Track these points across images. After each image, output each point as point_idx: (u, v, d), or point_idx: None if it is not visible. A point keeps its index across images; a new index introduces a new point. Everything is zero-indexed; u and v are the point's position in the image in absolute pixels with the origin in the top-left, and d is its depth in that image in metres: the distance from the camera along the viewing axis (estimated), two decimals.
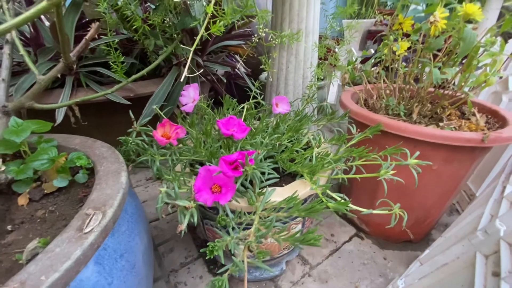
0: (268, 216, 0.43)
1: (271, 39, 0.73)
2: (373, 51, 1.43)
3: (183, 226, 0.37)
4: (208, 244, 0.35)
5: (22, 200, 0.48)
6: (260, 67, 1.02)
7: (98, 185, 0.43)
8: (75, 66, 0.71)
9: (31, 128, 0.51)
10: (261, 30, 0.60)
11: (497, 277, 0.36)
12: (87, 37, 0.58)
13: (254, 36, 0.67)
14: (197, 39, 0.40)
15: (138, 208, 0.53)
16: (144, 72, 0.70)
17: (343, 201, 0.45)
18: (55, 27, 0.56)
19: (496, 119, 0.72)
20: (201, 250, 0.78)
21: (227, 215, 0.42)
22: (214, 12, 0.45)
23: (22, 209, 0.46)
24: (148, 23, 0.72)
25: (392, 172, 0.45)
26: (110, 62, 0.65)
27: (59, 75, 0.62)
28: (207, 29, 0.44)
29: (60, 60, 0.58)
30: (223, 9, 0.47)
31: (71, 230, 0.34)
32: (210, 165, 0.42)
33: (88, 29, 0.69)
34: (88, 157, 0.52)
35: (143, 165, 0.57)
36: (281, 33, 0.73)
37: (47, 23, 1.03)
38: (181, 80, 0.50)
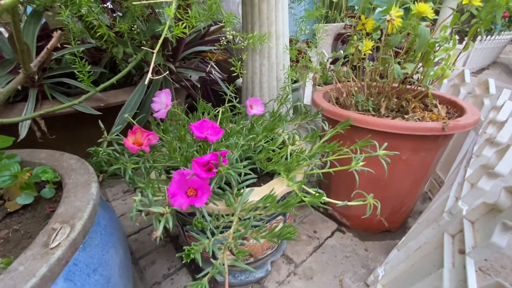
0: (247, 215, 0.43)
1: (240, 42, 0.74)
2: (342, 52, 1.49)
3: (158, 232, 0.36)
4: (184, 248, 0.35)
5: None
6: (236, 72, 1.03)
7: (67, 198, 0.41)
8: (37, 77, 0.68)
9: None
10: (228, 32, 0.61)
11: (463, 254, 0.38)
12: (48, 46, 0.55)
13: (222, 39, 0.68)
14: (160, 41, 0.40)
15: (112, 220, 0.51)
16: (113, 80, 0.68)
17: (317, 194, 0.46)
18: (14, 38, 0.53)
19: (455, 109, 0.77)
20: (177, 255, 0.76)
21: (204, 218, 0.42)
22: (179, 16, 0.45)
23: None
24: (115, 31, 0.71)
25: (362, 163, 0.47)
26: (75, 71, 0.63)
27: (19, 88, 0.59)
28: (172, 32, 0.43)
29: (20, 71, 0.55)
30: (188, 13, 0.47)
31: (36, 246, 0.32)
32: (184, 169, 0.41)
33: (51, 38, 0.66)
34: (55, 171, 0.50)
35: (118, 176, 0.56)
36: (245, 34, 0.74)
37: (6, 35, 0.98)
38: (146, 83, 0.49)
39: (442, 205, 0.54)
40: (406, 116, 0.70)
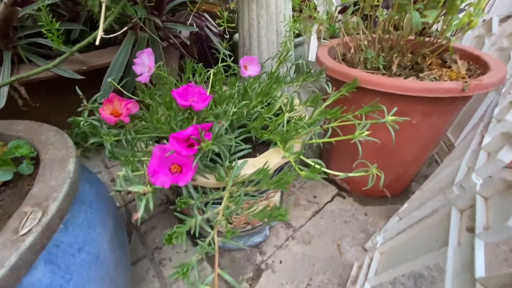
0: (238, 192, 0.40)
1: None
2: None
3: (138, 214, 0.33)
4: (165, 232, 0.32)
5: None
6: (233, 26, 0.92)
7: (42, 176, 0.38)
8: (5, 40, 0.60)
9: None
10: None
11: (472, 232, 0.35)
12: None
13: None
14: None
15: (100, 195, 0.49)
16: (90, 39, 0.60)
17: (316, 167, 0.42)
18: None
19: (477, 65, 0.68)
20: (157, 240, 0.77)
21: (191, 196, 0.39)
22: None
23: None
24: None
25: (367, 132, 0.41)
26: (43, 30, 0.55)
27: None
28: None
29: None
30: None
31: (7, 232, 0.30)
32: (165, 144, 0.37)
33: None
34: (31, 145, 0.46)
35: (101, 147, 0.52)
36: None
37: None
38: (97, 43, 0.42)
39: (452, 175, 0.50)
40: (420, 75, 0.62)
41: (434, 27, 0.70)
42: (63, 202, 0.35)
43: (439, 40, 0.63)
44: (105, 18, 0.60)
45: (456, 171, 0.50)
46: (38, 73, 0.56)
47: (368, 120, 0.44)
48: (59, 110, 0.82)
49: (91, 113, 0.53)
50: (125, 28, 0.76)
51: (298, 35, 1.51)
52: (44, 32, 0.54)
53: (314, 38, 1.66)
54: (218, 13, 0.60)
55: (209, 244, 0.37)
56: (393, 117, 0.46)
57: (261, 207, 0.62)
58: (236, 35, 1.47)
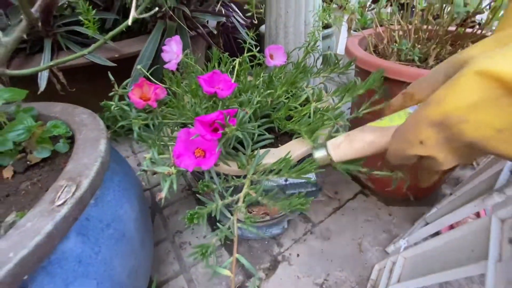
0: (258, 181, 0.40)
1: None
2: None
3: (162, 194, 0.34)
4: (187, 211, 0.33)
5: (7, 173, 0.46)
6: (260, 14, 0.90)
7: (75, 155, 0.41)
8: (41, 25, 0.64)
9: (3, 97, 0.47)
10: None
11: None
12: None
13: None
14: None
15: (128, 176, 0.51)
16: (121, 27, 0.62)
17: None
18: None
19: None
20: (180, 218, 0.78)
21: (213, 181, 0.39)
22: None
23: (7, 182, 0.45)
24: None
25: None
26: (80, 18, 0.58)
27: (26, 37, 0.56)
28: None
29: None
30: None
31: (44, 203, 0.33)
32: (190, 128, 0.37)
33: None
34: (67, 125, 0.49)
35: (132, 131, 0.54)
36: None
37: None
38: (129, 23, 0.43)
39: (492, 180, 0.46)
40: None
41: (479, 17, 0.65)
42: (94, 179, 0.36)
43: (483, 32, 0.58)
44: (137, 5, 0.61)
45: (497, 175, 0.46)
46: (74, 58, 0.59)
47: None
48: (93, 95, 0.87)
49: (121, 98, 0.55)
50: (155, 16, 0.78)
51: (327, 26, 1.46)
52: (82, 20, 0.57)
53: (344, 30, 1.60)
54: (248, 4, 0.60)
55: (228, 228, 0.37)
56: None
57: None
58: (263, 27, 1.45)
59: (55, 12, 0.74)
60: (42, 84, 0.69)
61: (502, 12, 0.53)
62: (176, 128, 0.54)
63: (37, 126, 0.47)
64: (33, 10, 0.51)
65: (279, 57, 0.60)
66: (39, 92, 0.70)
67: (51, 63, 0.55)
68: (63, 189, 0.33)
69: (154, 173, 0.38)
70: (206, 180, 0.38)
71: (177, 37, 0.56)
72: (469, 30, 0.64)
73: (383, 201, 0.81)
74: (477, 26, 0.62)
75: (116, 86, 0.54)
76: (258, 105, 0.46)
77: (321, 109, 0.53)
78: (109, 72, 0.55)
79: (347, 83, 0.60)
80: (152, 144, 0.40)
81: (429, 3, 0.61)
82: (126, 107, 0.50)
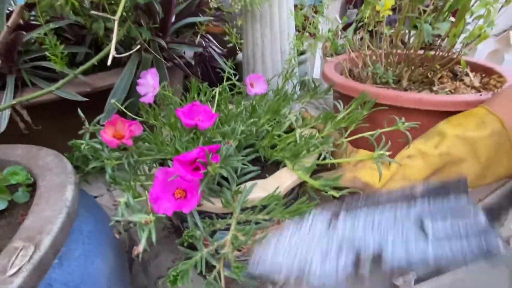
0: (246, 220, 0.37)
1: (232, 3, 0.63)
2: (354, 17, 1.33)
3: (140, 248, 0.30)
4: (169, 271, 0.29)
5: None
6: (233, 46, 0.92)
7: (36, 206, 0.35)
8: (10, 64, 0.60)
9: None
10: None
11: None
12: (8, 23, 0.47)
13: (211, 1, 0.57)
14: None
15: (100, 223, 0.45)
16: (93, 61, 0.60)
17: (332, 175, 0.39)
18: None
19: (491, 78, 0.66)
20: (162, 263, 0.71)
21: (196, 224, 0.36)
22: None
23: None
24: (92, 2, 0.61)
25: (388, 153, 0.38)
26: (47, 54, 0.55)
27: None
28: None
29: None
30: None
31: None
32: (168, 167, 0.34)
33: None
34: (29, 171, 0.44)
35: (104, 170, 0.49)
36: None
37: None
38: (108, 63, 0.41)
39: None
40: (434, 89, 0.60)
41: (443, 40, 0.69)
42: (58, 235, 0.31)
43: (449, 54, 0.61)
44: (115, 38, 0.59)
45: None
46: (40, 95, 0.55)
47: (379, 129, 0.41)
48: (61, 133, 0.81)
49: (93, 135, 0.51)
50: (132, 50, 0.77)
51: (301, 53, 1.52)
52: (49, 55, 0.54)
53: (317, 56, 1.67)
54: (226, 31, 0.60)
55: (214, 279, 0.33)
56: (408, 123, 0.44)
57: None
58: (240, 55, 1.48)
59: (20, 48, 0.70)
60: (3, 124, 0.63)
61: (464, 34, 0.57)
62: (154, 165, 0.50)
63: None
64: None
65: (259, 85, 0.59)
66: None
67: (14, 102, 0.51)
68: (18, 253, 0.28)
69: (129, 222, 0.34)
70: (190, 229, 0.34)
71: (153, 70, 0.54)
72: (432, 52, 0.67)
73: None
74: (443, 48, 0.66)
75: (86, 123, 0.50)
76: (244, 135, 0.44)
77: (305, 136, 0.52)
78: (78, 109, 0.51)
79: (325, 106, 0.61)
80: (126, 188, 0.36)
81: (396, 29, 0.65)
82: (98, 146, 0.46)
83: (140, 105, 0.61)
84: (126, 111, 0.61)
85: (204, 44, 0.99)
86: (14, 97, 0.68)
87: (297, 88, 0.74)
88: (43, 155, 0.47)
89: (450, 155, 0.43)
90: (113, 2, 0.62)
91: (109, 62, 0.36)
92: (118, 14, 0.33)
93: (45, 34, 0.56)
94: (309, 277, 0.27)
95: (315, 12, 1.03)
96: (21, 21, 0.49)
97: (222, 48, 1.26)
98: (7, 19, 0.68)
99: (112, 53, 0.34)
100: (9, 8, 0.76)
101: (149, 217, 0.32)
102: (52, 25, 0.59)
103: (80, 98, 0.72)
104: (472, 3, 0.56)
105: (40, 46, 0.86)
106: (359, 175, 0.44)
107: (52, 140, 0.68)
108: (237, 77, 0.69)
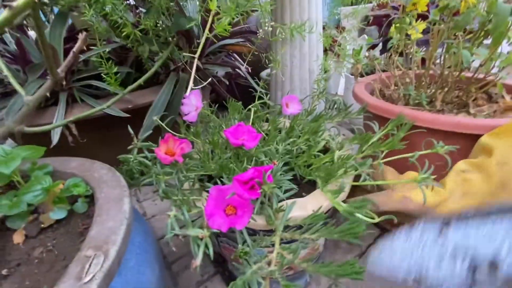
0: (291, 239, 0.38)
1: (278, 33, 0.67)
2: (374, 35, 1.35)
3: (198, 262, 0.32)
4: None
5: (18, 237, 0.43)
6: (260, 64, 0.96)
7: (99, 217, 0.38)
8: (64, 82, 0.66)
9: (21, 156, 0.46)
10: (266, 24, 0.54)
11: None
12: (74, 49, 0.52)
13: (258, 32, 0.61)
14: (202, 41, 0.35)
15: (147, 234, 0.48)
16: (140, 81, 0.65)
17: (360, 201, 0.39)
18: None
19: None
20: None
21: (245, 241, 0.37)
22: (216, 9, 0.39)
23: (18, 247, 0.42)
24: (140, 28, 0.67)
25: (433, 177, 0.39)
26: (102, 74, 0.60)
27: (48, 94, 0.57)
28: (210, 29, 0.38)
29: (48, 77, 0.53)
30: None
31: (70, 279, 0.29)
32: (221, 185, 0.36)
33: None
34: (86, 183, 0.48)
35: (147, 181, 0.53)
36: (284, 25, 0.66)
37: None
38: (186, 89, 0.44)
39: None
40: (471, 112, 0.60)
41: (476, 62, 0.69)
42: (121, 245, 0.34)
43: (486, 77, 0.61)
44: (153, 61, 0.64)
45: None
46: (94, 113, 0.60)
47: (417, 151, 0.42)
48: (103, 146, 0.86)
49: (139, 150, 0.54)
50: (171, 69, 0.82)
51: (325, 71, 1.55)
52: (103, 75, 0.59)
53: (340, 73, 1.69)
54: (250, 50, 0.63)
55: None
56: (447, 147, 0.44)
57: (307, 250, 0.59)
58: (263, 73, 1.53)
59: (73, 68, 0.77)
60: (56, 138, 0.68)
61: (502, 58, 0.57)
62: (196, 181, 0.53)
63: (56, 185, 0.45)
64: (59, 70, 0.53)
65: (294, 105, 0.62)
66: (51, 146, 0.69)
67: (71, 119, 0.55)
68: (92, 261, 0.30)
69: (184, 236, 0.36)
70: (244, 246, 0.35)
71: (197, 91, 0.57)
72: (469, 75, 0.68)
73: None
74: (479, 71, 0.66)
75: (135, 139, 0.54)
76: (288, 155, 0.46)
77: (341, 156, 0.53)
78: (128, 126, 0.55)
79: (361, 128, 0.62)
80: (181, 203, 0.39)
81: (430, 52, 0.66)
82: (148, 162, 0.49)
83: (180, 122, 0.64)
84: (165, 126, 0.64)
85: (234, 64, 1.04)
86: (65, 113, 0.74)
87: (331, 108, 0.75)
88: (97, 168, 0.51)
89: (508, 164, 0.42)
90: (161, 28, 0.68)
91: (187, 92, 0.39)
92: (199, 51, 0.37)
93: (101, 56, 0.62)
94: (426, 279, 0.29)
95: (340, 32, 1.06)
96: (84, 47, 0.55)
97: (247, 66, 1.31)
98: (66, 43, 0.76)
99: (191, 85, 0.38)
100: None
101: (204, 232, 0.34)
102: (108, 48, 0.65)
103: (123, 115, 0.77)
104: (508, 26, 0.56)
105: (85, 65, 0.94)
106: (410, 195, 0.44)
107: (93, 153, 0.73)
108: (268, 96, 0.71)
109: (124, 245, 0.35)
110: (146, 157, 0.53)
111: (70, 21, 0.89)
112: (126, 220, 0.38)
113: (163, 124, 0.63)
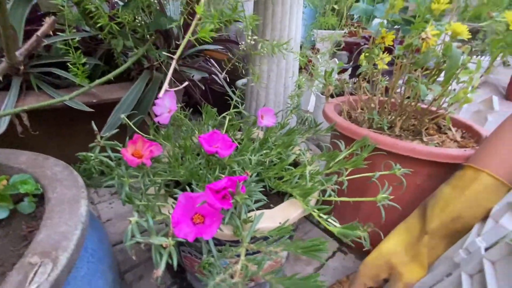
0: (257, 250, 0.38)
1: (260, 47, 0.68)
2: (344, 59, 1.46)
3: (159, 272, 0.30)
4: None
5: None
6: (236, 73, 0.97)
7: (49, 220, 0.35)
8: (22, 67, 0.60)
9: None
10: (249, 38, 0.55)
11: None
12: (39, 33, 0.48)
13: (240, 43, 0.62)
14: (183, 44, 0.34)
15: (102, 242, 0.44)
16: (110, 76, 0.61)
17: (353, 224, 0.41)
18: None
19: (470, 134, 0.74)
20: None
21: (210, 251, 0.36)
22: (201, 14, 0.39)
23: None
24: (117, 21, 0.64)
25: (391, 197, 0.42)
26: (68, 63, 0.55)
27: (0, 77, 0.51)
28: (193, 33, 0.38)
29: (3, 59, 0.47)
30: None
31: None
32: (190, 191, 0.35)
33: (42, 23, 0.58)
34: (36, 180, 0.43)
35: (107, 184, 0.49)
36: (265, 40, 0.69)
37: None
38: (159, 89, 0.43)
39: (462, 241, 0.51)
40: (424, 140, 0.67)
41: (430, 96, 0.78)
42: (73, 253, 0.31)
43: (438, 110, 0.69)
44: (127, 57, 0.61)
45: (466, 237, 0.51)
46: (53, 104, 0.54)
47: (377, 172, 0.45)
48: (59, 141, 0.79)
49: (102, 148, 0.51)
50: (144, 67, 0.79)
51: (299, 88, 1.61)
52: (69, 65, 0.55)
53: (308, 91, 1.77)
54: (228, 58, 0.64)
55: None
56: (403, 169, 0.49)
57: (268, 262, 0.59)
58: (239, 81, 1.54)
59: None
60: (3, 126, 0.61)
61: (450, 96, 0.65)
62: (162, 187, 0.50)
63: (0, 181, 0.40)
64: (17, 53, 0.48)
65: (269, 118, 0.63)
66: None
67: (25, 108, 0.50)
68: (37, 269, 0.27)
69: (146, 244, 0.34)
70: (208, 257, 0.34)
71: (172, 93, 0.56)
72: (424, 106, 0.76)
73: (360, 259, 0.81)
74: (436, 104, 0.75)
75: (99, 136, 0.50)
76: (261, 167, 0.46)
77: (311, 171, 0.55)
78: (92, 122, 0.51)
79: (329, 146, 0.65)
80: (145, 208, 0.37)
81: (393, 82, 0.73)
82: (111, 162, 0.46)
83: (150, 123, 0.62)
84: (132, 125, 0.61)
85: (211, 70, 1.03)
86: (18, 100, 0.66)
87: (301, 123, 0.78)
88: (51, 164, 0.47)
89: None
90: (139, 24, 0.65)
91: (160, 93, 0.38)
92: (178, 53, 0.36)
93: (68, 44, 0.57)
94: None
95: (316, 53, 1.12)
96: (50, 32, 0.50)
97: (221, 72, 1.31)
98: (27, 25, 0.69)
99: (165, 86, 0.37)
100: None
101: (168, 240, 0.33)
102: (78, 37, 0.60)
103: (86, 108, 0.72)
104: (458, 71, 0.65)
105: (47, 51, 0.86)
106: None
107: (45, 147, 0.66)
108: (243, 106, 0.72)
109: (76, 252, 0.32)
110: (109, 157, 0.49)
111: (34, 1, 0.82)
112: (82, 224, 0.34)
113: (131, 123, 0.60)
